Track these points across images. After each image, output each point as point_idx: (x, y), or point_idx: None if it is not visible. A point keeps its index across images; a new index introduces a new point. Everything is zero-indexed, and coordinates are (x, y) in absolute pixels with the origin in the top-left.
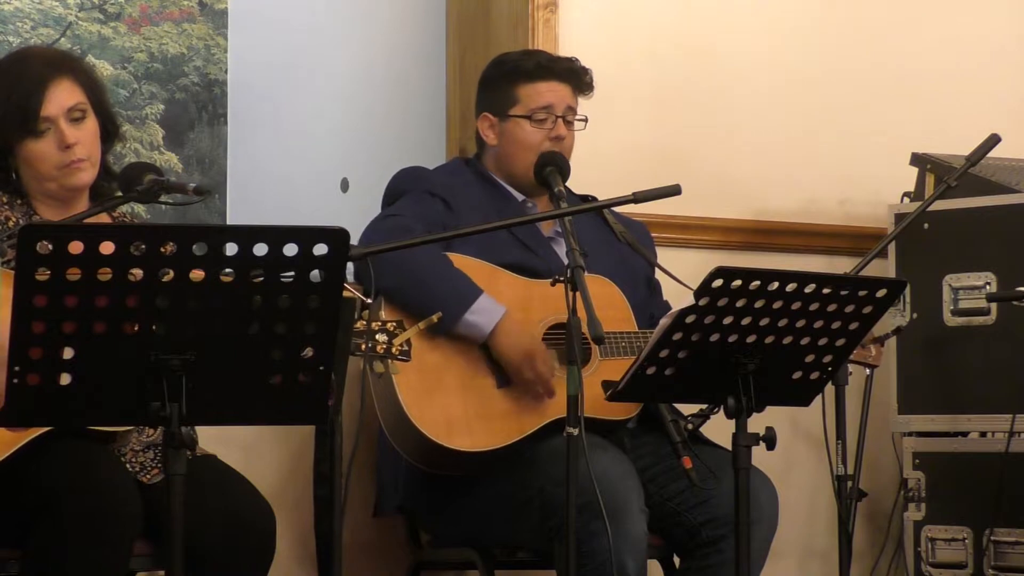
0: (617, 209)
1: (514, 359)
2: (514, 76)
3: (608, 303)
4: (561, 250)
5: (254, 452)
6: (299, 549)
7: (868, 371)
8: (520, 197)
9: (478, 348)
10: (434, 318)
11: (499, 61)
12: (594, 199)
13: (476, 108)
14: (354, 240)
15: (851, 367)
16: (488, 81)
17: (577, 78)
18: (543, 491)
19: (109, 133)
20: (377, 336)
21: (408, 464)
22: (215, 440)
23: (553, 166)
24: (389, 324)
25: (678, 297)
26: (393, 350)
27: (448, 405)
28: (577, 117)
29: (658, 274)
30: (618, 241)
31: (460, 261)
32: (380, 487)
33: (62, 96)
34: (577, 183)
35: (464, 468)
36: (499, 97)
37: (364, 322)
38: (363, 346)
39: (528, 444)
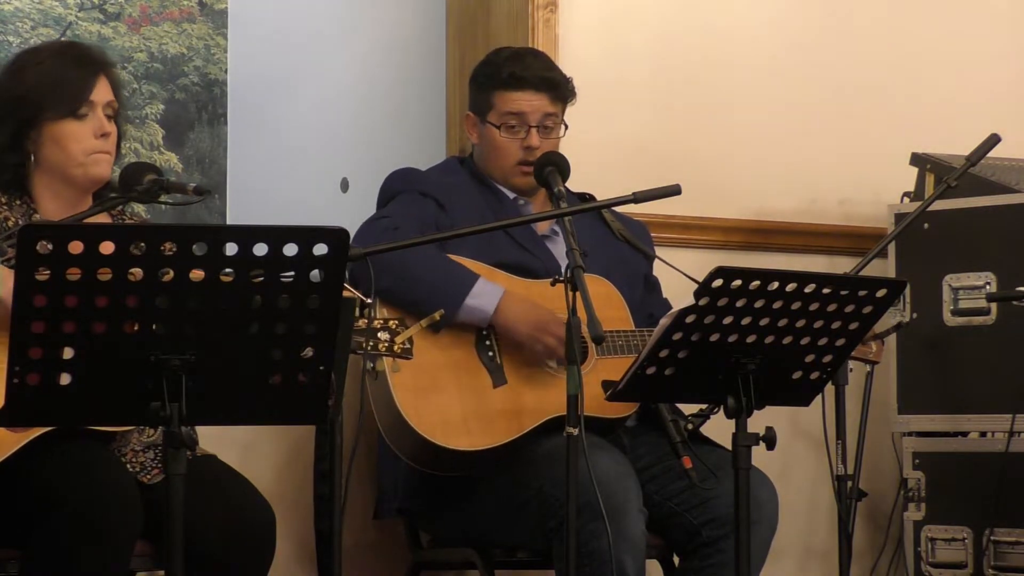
0: (616, 208)
1: (525, 332)
2: (492, 82)
3: (605, 302)
4: (556, 249)
5: (254, 452)
6: (299, 549)
7: (869, 368)
8: (512, 196)
9: (473, 347)
10: (436, 315)
11: (487, 60)
12: (592, 197)
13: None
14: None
15: (851, 364)
16: (474, 80)
17: (554, 88)
18: (542, 491)
19: (118, 143)
20: (379, 334)
21: (407, 466)
22: (215, 440)
23: (553, 166)
24: (391, 322)
25: (680, 292)
26: (395, 348)
27: (444, 405)
28: (558, 127)
29: (659, 272)
30: (616, 239)
31: (457, 262)
32: (380, 490)
33: (104, 90)
34: (577, 183)
35: (462, 468)
36: (480, 99)
37: (366, 320)
38: (365, 344)
39: (526, 443)
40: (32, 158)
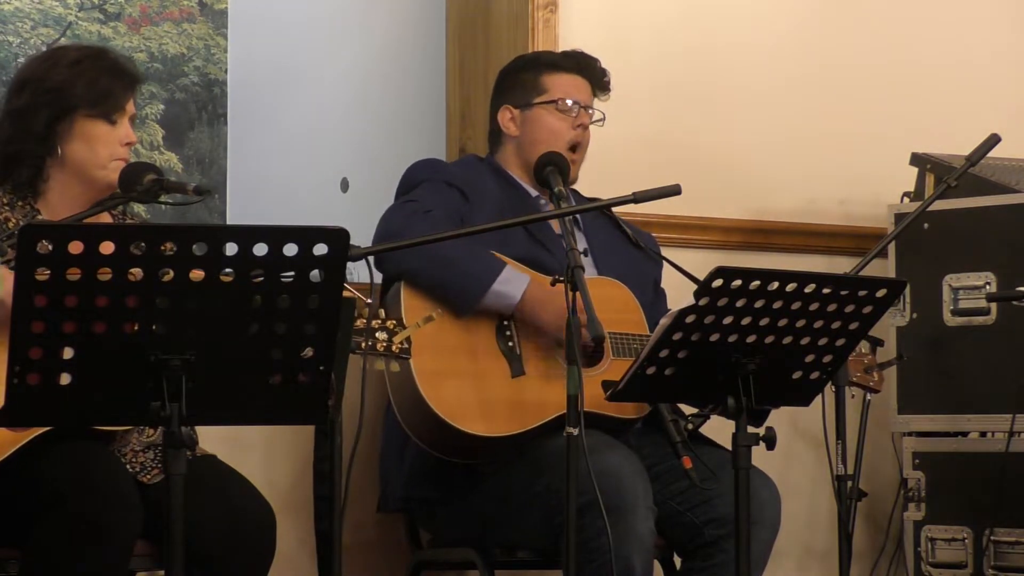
0: (623, 216)
1: (549, 319)
2: (539, 66)
3: (621, 306)
4: None
5: (254, 452)
6: (299, 549)
7: (868, 396)
8: (534, 193)
9: (493, 336)
10: (433, 315)
11: (520, 57)
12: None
13: (493, 104)
14: (355, 239)
15: (852, 391)
16: (509, 74)
17: (598, 77)
18: (550, 488)
19: None
20: (377, 334)
21: (416, 453)
22: (215, 440)
23: (553, 166)
24: (389, 322)
25: (681, 293)
26: (393, 348)
27: (462, 389)
28: (595, 119)
29: (664, 277)
30: (630, 243)
31: None
32: (384, 483)
33: (132, 103)
34: (577, 183)
35: (474, 454)
36: (523, 87)
37: (364, 320)
38: (363, 344)
39: (535, 439)
40: (59, 152)
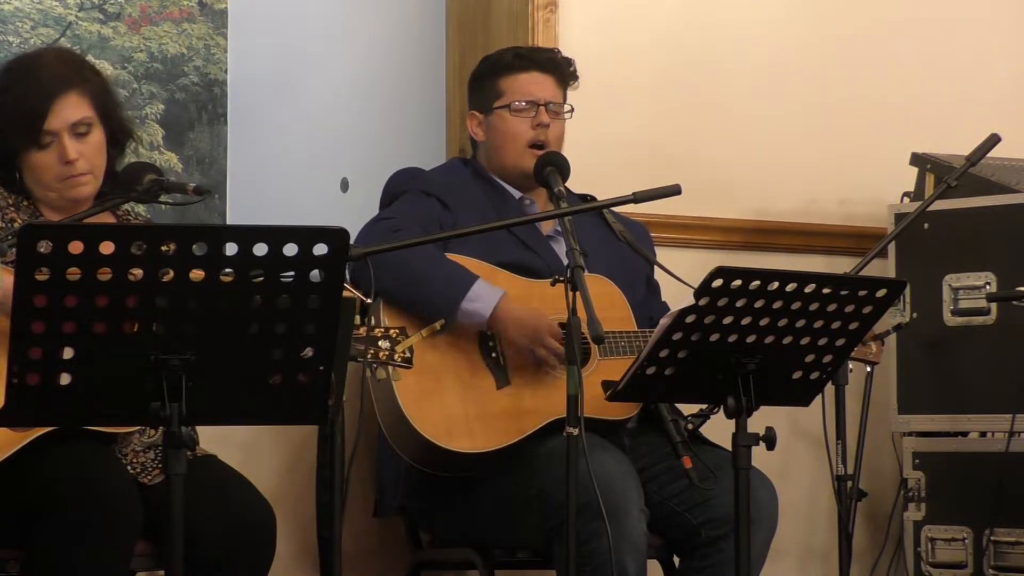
0: (617, 209)
1: (521, 340)
2: (496, 70)
3: (608, 303)
4: (560, 249)
5: (254, 452)
6: (299, 549)
7: (868, 368)
8: (518, 194)
9: (476, 348)
10: (436, 325)
11: (483, 59)
12: (593, 198)
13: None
14: (355, 239)
15: (851, 364)
16: (474, 80)
17: (559, 69)
18: (543, 491)
19: (118, 141)
20: (380, 343)
21: (408, 465)
22: (215, 440)
23: (553, 166)
24: (392, 331)
25: (678, 297)
26: (395, 357)
27: (447, 406)
28: (565, 109)
29: (658, 274)
30: (618, 240)
31: (459, 261)
32: (381, 488)
33: (68, 111)
34: (577, 183)
35: (464, 469)
36: (484, 93)
37: (366, 328)
38: (366, 352)
39: (527, 443)
40: (20, 177)
